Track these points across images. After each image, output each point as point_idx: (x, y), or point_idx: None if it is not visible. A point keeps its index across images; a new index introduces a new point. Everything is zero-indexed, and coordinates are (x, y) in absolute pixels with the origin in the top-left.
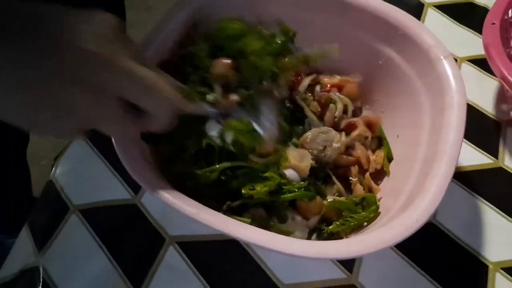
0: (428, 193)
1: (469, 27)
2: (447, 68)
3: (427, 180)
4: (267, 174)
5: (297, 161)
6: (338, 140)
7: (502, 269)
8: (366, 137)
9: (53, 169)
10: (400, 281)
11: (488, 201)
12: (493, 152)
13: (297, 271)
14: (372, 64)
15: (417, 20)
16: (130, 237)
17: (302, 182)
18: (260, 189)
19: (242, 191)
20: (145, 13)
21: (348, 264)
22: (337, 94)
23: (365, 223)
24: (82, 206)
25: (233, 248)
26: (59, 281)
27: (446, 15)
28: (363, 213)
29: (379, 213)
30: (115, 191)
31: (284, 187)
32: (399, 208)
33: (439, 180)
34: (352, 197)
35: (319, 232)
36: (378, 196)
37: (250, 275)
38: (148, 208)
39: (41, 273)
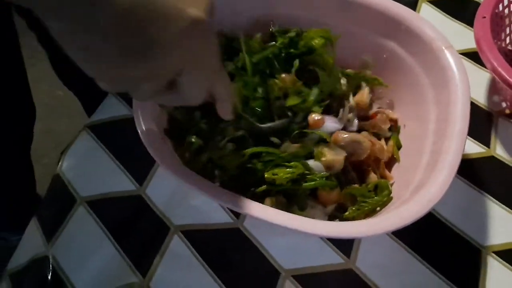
0: (437, 180)
1: (462, 21)
2: (450, 58)
3: (436, 167)
4: (292, 164)
5: (332, 156)
6: (367, 147)
7: (494, 252)
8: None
9: (60, 163)
10: (394, 265)
11: (480, 189)
12: (486, 141)
13: (297, 257)
14: (377, 58)
15: (418, 14)
16: (135, 226)
17: (324, 172)
18: (283, 175)
19: (265, 175)
20: None
21: (346, 249)
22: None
23: (378, 208)
24: (89, 198)
25: (236, 236)
26: (69, 270)
27: (439, 10)
28: (377, 197)
29: (391, 198)
30: (120, 183)
31: (307, 176)
32: (411, 193)
33: (447, 169)
34: (366, 184)
35: (334, 218)
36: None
37: (253, 262)
38: (152, 198)
39: (50, 262)
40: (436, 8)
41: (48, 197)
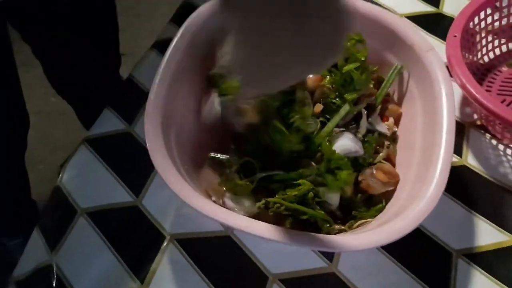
0: (433, 182)
1: (437, 36)
2: (432, 59)
3: (430, 168)
4: (299, 181)
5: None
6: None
7: (464, 255)
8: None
9: (60, 175)
10: (373, 267)
11: (453, 196)
12: (458, 151)
13: (283, 262)
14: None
15: (403, 19)
16: (133, 236)
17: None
18: (290, 193)
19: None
20: (135, 18)
21: (328, 254)
22: None
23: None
24: (89, 209)
25: (227, 243)
26: (72, 277)
27: (417, 25)
28: (370, 212)
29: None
30: (118, 194)
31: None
32: (407, 197)
33: (441, 169)
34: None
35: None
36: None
37: (243, 267)
38: (148, 209)
39: (55, 269)
40: (413, 24)
41: (49, 207)
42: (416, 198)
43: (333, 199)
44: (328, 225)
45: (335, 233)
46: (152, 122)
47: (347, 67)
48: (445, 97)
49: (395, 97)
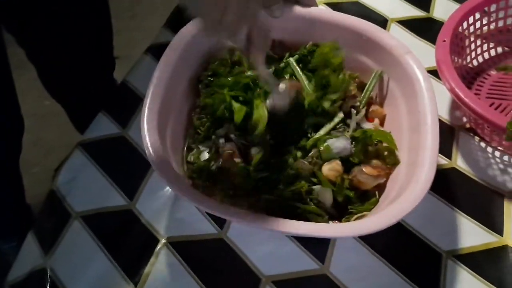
0: (410, 195)
1: (428, 40)
2: (411, 61)
3: (418, 160)
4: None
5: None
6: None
7: (454, 256)
8: None
9: (54, 179)
10: (364, 269)
11: (442, 198)
12: (447, 154)
13: (275, 264)
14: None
15: (378, 27)
16: (127, 239)
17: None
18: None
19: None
20: (130, 21)
21: (321, 256)
22: None
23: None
24: (83, 213)
25: (220, 245)
26: (66, 280)
27: (407, 30)
28: (365, 206)
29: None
30: (112, 198)
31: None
32: (399, 189)
33: (429, 163)
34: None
35: None
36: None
37: (236, 269)
38: (142, 212)
39: (49, 273)
40: (404, 28)
41: (44, 211)
42: (411, 181)
43: (326, 196)
44: (321, 218)
45: None
46: (149, 124)
47: (322, 72)
48: (426, 94)
49: (378, 100)
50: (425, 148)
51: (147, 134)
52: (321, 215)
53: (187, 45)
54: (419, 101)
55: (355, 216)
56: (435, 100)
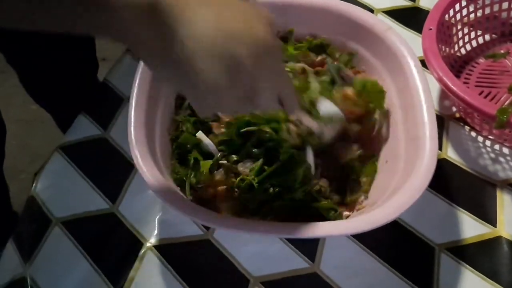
0: (423, 164)
1: (415, 30)
2: (393, 37)
3: (419, 134)
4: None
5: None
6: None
7: (446, 249)
8: None
9: (34, 184)
10: (355, 266)
11: (433, 190)
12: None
13: (264, 264)
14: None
15: (357, 7)
16: (110, 244)
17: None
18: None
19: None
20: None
21: (310, 254)
22: None
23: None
24: (64, 218)
25: (206, 247)
26: None
27: (394, 20)
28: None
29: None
30: (93, 202)
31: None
32: (396, 185)
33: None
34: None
35: None
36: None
37: (223, 271)
38: (125, 215)
39: (29, 283)
40: (390, 18)
41: (23, 218)
42: (411, 173)
43: (327, 106)
44: (333, 212)
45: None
46: (136, 127)
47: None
48: (415, 70)
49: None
50: (423, 123)
51: (135, 142)
52: (335, 209)
53: None
54: (408, 76)
55: (354, 197)
56: (423, 74)
